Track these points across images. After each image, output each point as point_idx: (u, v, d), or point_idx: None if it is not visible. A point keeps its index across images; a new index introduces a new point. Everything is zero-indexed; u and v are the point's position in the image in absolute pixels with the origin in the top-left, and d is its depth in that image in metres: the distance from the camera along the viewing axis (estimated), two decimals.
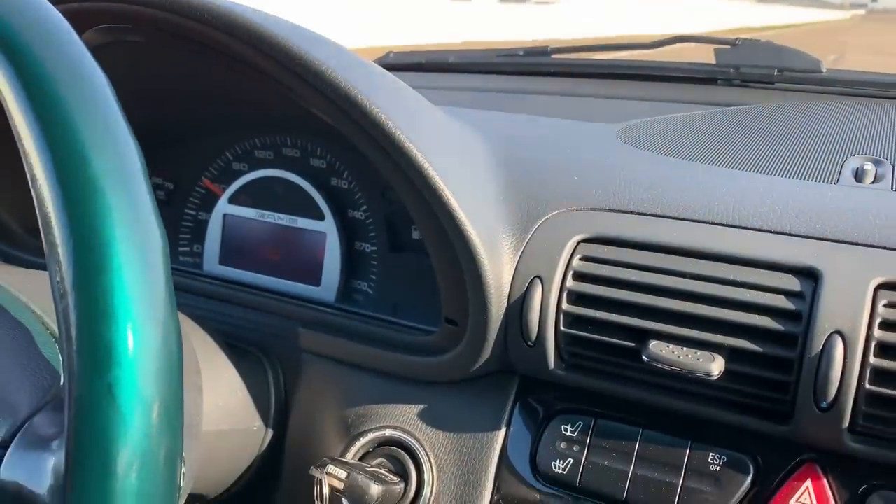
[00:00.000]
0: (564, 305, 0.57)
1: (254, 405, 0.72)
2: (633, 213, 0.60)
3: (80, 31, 0.69)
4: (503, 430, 0.62)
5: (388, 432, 0.65)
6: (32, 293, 0.56)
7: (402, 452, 0.64)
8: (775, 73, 1.01)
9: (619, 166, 0.67)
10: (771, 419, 0.54)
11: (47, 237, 0.34)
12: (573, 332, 0.57)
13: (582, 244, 0.59)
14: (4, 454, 0.40)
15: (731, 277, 0.54)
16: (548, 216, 0.61)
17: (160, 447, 0.33)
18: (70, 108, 0.35)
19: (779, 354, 0.51)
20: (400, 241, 0.78)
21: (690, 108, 0.98)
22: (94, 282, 0.33)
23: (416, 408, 0.66)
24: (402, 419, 0.66)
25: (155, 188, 0.92)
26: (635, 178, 0.64)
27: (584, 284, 0.57)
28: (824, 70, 1.01)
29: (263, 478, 0.73)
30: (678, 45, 1.16)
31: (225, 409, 0.69)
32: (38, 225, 0.83)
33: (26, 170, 0.35)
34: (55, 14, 0.40)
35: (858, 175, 0.67)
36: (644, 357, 0.54)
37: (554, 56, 1.19)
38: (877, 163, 0.70)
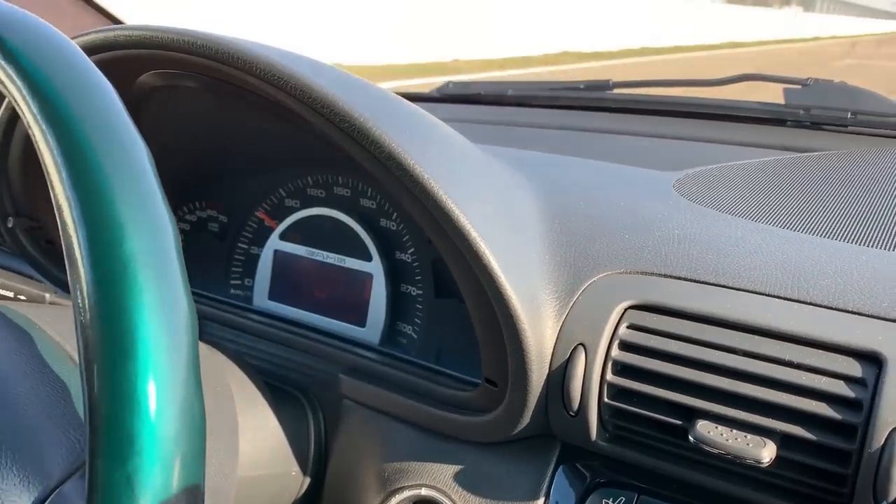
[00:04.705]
0: (609, 376, 0.55)
1: (292, 450, 0.71)
2: (685, 279, 0.57)
3: (136, 75, 0.70)
4: (542, 499, 0.60)
5: (423, 491, 0.64)
6: (71, 338, 0.57)
7: None
8: (848, 115, 0.96)
9: (674, 225, 0.64)
10: None
11: (76, 304, 0.33)
12: (617, 404, 0.55)
13: (630, 311, 0.56)
14: None
15: (787, 358, 0.51)
16: (595, 278, 0.59)
17: None
18: (107, 181, 0.35)
19: (836, 445, 0.48)
20: (445, 287, 0.77)
21: (755, 151, 0.94)
22: (120, 367, 0.32)
23: (454, 467, 0.64)
24: (438, 478, 0.64)
25: (209, 221, 0.93)
26: (690, 240, 0.61)
27: (630, 355, 0.55)
28: None
29: None
30: (743, 84, 1.12)
31: (262, 453, 0.69)
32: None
33: (62, 238, 0.34)
34: (98, 75, 0.40)
35: None
36: (691, 437, 0.51)
37: (615, 91, 1.16)
38: None
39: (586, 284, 0.58)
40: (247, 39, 0.62)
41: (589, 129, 1.09)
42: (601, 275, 0.59)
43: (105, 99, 0.39)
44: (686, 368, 0.53)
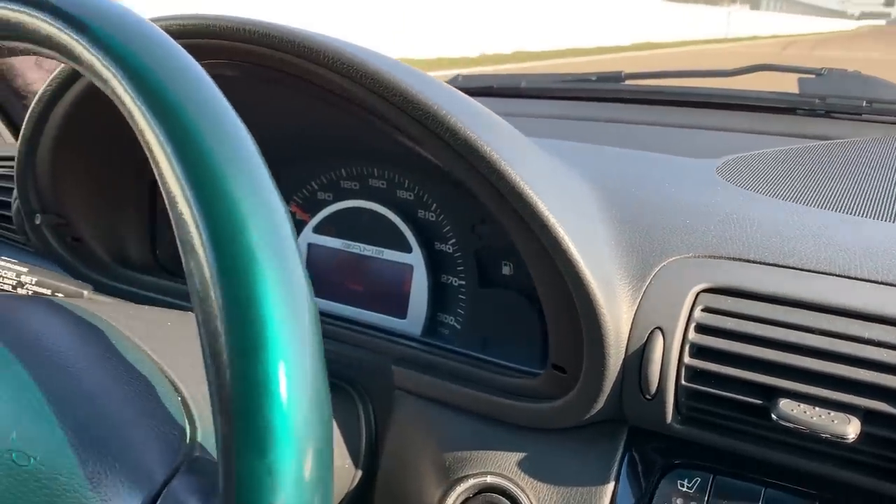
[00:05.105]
0: (686, 359, 0.55)
1: (344, 442, 0.71)
2: (754, 262, 0.58)
3: None
4: (612, 483, 0.60)
5: (489, 479, 0.64)
6: (144, 334, 0.55)
7: (506, 501, 0.62)
8: (864, 104, 0.98)
9: (731, 209, 0.65)
10: None
11: (202, 306, 0.33)
12: (695, 386, 0.55)
13: (702, 294, 0.57)
14: None
15: (866, 335, 0.52)
16: (664, 263, 0.59)
17: None
18: (223, 171, 0.35)
19: None
20: (489, 277, 0.77)
21: (775, 140, 0.95)
22: (253, 359, 0.32)
23: (518, 454, 0.64)
24: (503, 466, 0.64)
25: None
26: (750, 223, 0.62)
27: (707, 337, 0.55)
28: None
29: None
30: (752, 74, 1.13)
31: None
32: (126, 254, 0.84)
33: (178, 236, 0.34)
34: (199, 70, 0.39)
35: None
36: (774, 416, 0.52)
37: (627, 82, 1.17)
38: None
39: (657, 269, 0.59)
40: (288, 25, 0.61)
41: (604, 119, 1.10)
42: (669, 259, 0.59)
43: (209, 89, 0.38)
44: (766, 349, 0.53)
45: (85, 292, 0.75)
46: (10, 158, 1.01)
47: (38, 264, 0.75)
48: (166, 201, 0.35)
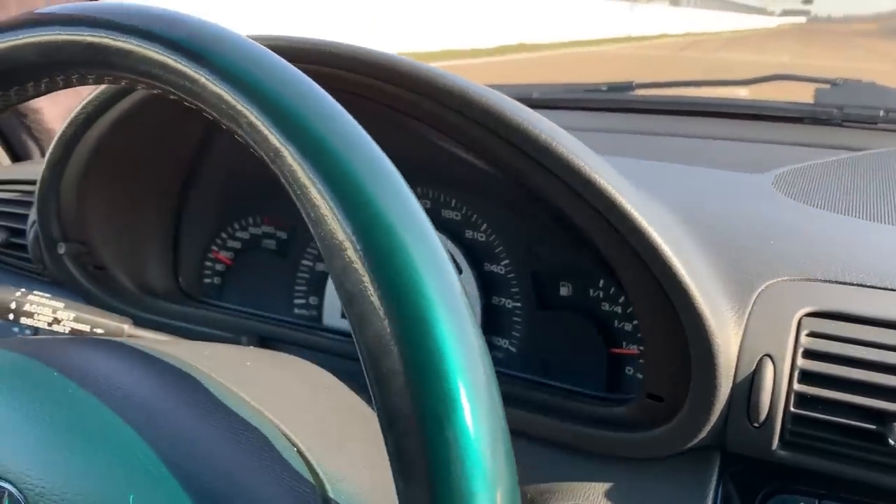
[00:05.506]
0: (796, 385, 0.55)
1: None
2: (852, 284, 0.58)
3: None
4: None
5: None
6: (233, 378, 0.52)
7: None
8: (880, 113, 1.00)
9: (812, 229, 0.64)
10: None
11: (378, 362, 0.30)
12: (805, 412, 0.54)
13: (805, 319, 0.56)
14: None
15: None
16: (761, 287, 0.58)
17: None
18: (380, 203, 0.32)
19: None
20: (546, 298, 0.75)
21: (796, 150, 0.96)
22: (450, 420, 0.30)
23: (604, 485, 0.63)
24: (590, 498, 0.62)
25: (263, 238, 0.88)
26: (835, 243, 0.62)
27: (816, 363, 0.55)
28: None
29: None
30: (763, 84, 1.14)
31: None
32: (149, 281, 0.79)
33: (335, 269, 0.31)
34: (335, 104, 0.36)
35: None
36: (891, 441, 0.52)
37: (637, 91, 1.17)
38: None
39: (756, 293, 0.58)
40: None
41: (618, 130, 1.09)
42: (767, 283, 0.59)
43: (348, 120, 0.36)
44: (878, 373, 0.53)
45: (125, 327, 0.71)
46: (9, 182, 0.95)
47: (60, 295, 0.70)
48: (322, 244, 0.32)
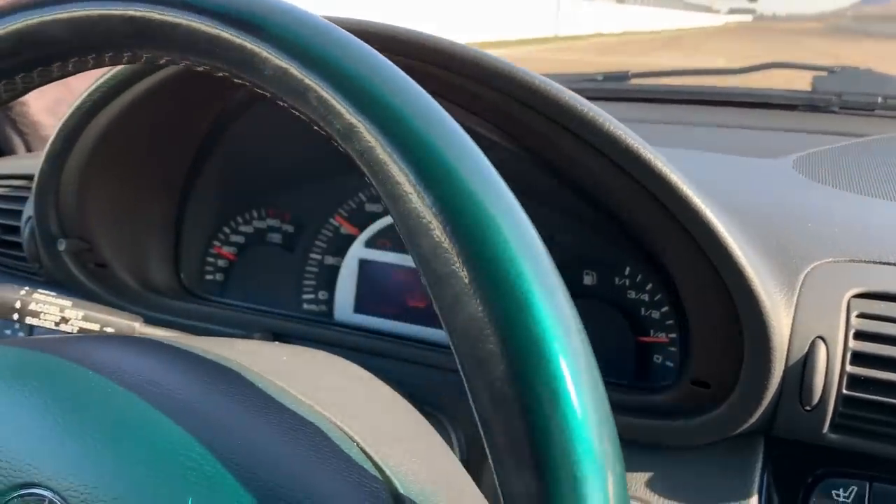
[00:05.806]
0: (848, 367, 0.54)
1: None
2: (894, 264, 0.57)
3: None
4: (755, 498, 0.58)
5: None
6: (277, 373, 0.49)
7: None
8: (878, 100, 1.01)
9: (845, 211, 0.64)
10: None
11: (473, 347, 0.29)
12: (857, 394, 0.54)
13: (853, 300, 0.56)
14: None
15: None
16: (807, 269, 0.58)
17: None
18: (485, 209, 0.31)
19: None
20: (571, 288, 0.74)
21: (795, 137, 0.96)
22: (559, 406, 0.28)
23: (645, 474, 0.61)
24: (633, 488, 0.61)
25: (269, 231, 0.85)
26: (870, 224, 0.62)
27: (868, 344, 0.54)
28: None
29: None
30: (755, 73, 1.15)
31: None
32: (150, 278, 0.76)
33: (433, 279, 0.29)
34: (408, 78, 0.34)
35: None
36: None
37: (633, 81, 1.16)
38: None
39: (803, 275, 0.57)
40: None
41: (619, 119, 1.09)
42: (812, 265, 0.58)
43: (423, 93, 0.34)
44: None
45: (136, 325, 0.67)
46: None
47: (64, 294, 0.66)
48: (412, 234, 0.30)
